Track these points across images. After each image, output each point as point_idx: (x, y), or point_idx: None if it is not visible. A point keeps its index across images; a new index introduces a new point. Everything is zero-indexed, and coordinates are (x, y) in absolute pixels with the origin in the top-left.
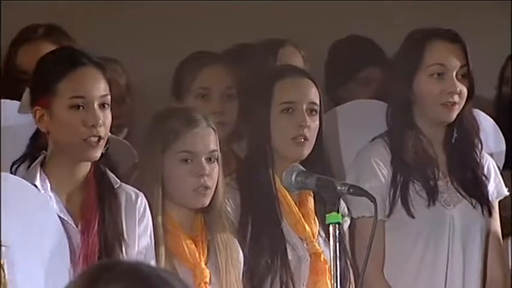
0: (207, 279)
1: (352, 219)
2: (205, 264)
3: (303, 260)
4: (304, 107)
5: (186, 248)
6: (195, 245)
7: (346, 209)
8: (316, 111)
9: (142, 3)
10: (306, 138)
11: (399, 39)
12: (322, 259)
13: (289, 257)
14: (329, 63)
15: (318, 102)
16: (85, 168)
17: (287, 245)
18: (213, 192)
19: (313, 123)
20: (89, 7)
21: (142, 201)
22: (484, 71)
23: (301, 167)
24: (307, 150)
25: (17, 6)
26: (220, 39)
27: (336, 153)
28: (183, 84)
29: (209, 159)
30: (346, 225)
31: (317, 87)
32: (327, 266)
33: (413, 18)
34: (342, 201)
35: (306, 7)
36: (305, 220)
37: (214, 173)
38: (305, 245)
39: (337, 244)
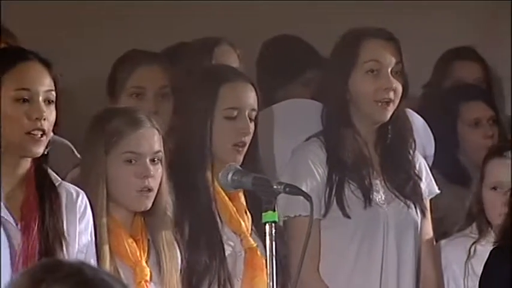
0: (147, 277)
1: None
2: (146, 262)
3: (238, 255)
4: (247, 113)
5: (127, 246)
6: (136, 244)
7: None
8: (255, 118)
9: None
10: (244, 145)
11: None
12: (258, 254)
13: (227, 254)
14: (265, 64)
15: (256, 108)
16: (25, 165)
17: (224, 242)
18: (155, 193)
19: (253, 129)
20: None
21: (83, 199)
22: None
23: (238, 166)
24: (242, 156)
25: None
26: (155, 40)
27: (269, 151)
28: (117, 83)
29: (153, 160)
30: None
31: (256, 93)
32: (263, 261)
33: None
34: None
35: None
36: (238, 215)
37: (157, 174)
38: (240, 240)
39: (274, 242)
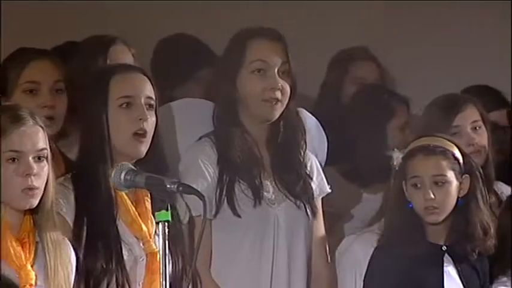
0: (32, 282)
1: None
2: (33, 266)
3: (139, 260)
4: (142, 101)
5: (11, 249)
6: (22, 247)
7: (185, 206)
8: (152, 107)
9: None
10: (145, 133)
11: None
12: (157, 259)
13: (125, 257)
14: (159, 63)
15: (154, 97)
16: None
17: (123, 245)
18: (42, 192)
19: (151, 118)
20: None
21: None
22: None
23: (131, 166)
24: (145, 147)
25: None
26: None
27: (173, 149)
28: (9, 81)
29: (37, 158)
30: (184, 223)
31: (152, 83)
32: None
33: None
34: (180, 200)
35: (137, 6)
36: (141, 219)
37: (43, 172)
38: (141, 244)
39: (166, 242)
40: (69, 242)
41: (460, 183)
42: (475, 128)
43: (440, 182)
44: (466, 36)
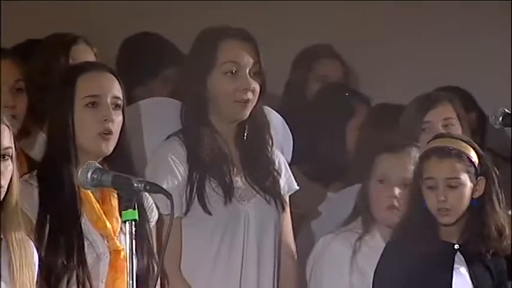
0: None
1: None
2: None
3: (102, 257)
4: (109, 100)
5: None
6: None
7: (153, 205)
8: (119, 106)
9: None
10: (110, 133)
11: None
12: (121, 256)
13: (88, 255)
14: (124, 61)
15: (121, 97)
16: None
17: (86, 242)
18: (5, 190)
19: (117, 117)
20: None
21: None
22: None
23: (98, 165)
24: (111, 146)
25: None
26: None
27: (140, 148)
28: None
29: (2, 157)
30: (153, 223)
31: (119, 82)
32: (126, 264)
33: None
34: (149, 199)
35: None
36: (107, 217)
37: (7, 172)
38: (106, 242)
39: (133, 241)
40: (31, 241)
41: (475, 185)
42: (447, 125)
43: (453, 185)
44: (436, 36)
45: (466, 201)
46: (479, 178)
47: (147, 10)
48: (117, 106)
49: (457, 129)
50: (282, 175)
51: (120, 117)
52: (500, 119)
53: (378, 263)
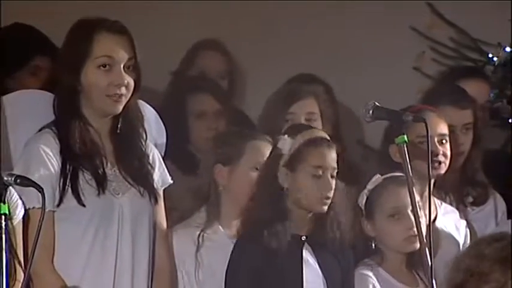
0: None
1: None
2: None
3: None
4: None
5: None
6: None
7: (19, 201)
8: None
9: None
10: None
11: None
12: None
13: None
14: None
15: None
16: None
17: None
18: None
19: None
20: None
21: None
22: None
23: None
24: None
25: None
26: None
27: (4, 143)
28: None
29: None
30: (18, 219)
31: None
32: None
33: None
34: (15, 195)
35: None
36: None
37: None
38: None
39: (4, 236)
40: None
41: None
42: (310, 119)
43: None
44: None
45: None
46: None
47: None
48: None
49: (317, 125)
50: (156, 169)
51: None
52: (371, 112)
53: (228, 264)
